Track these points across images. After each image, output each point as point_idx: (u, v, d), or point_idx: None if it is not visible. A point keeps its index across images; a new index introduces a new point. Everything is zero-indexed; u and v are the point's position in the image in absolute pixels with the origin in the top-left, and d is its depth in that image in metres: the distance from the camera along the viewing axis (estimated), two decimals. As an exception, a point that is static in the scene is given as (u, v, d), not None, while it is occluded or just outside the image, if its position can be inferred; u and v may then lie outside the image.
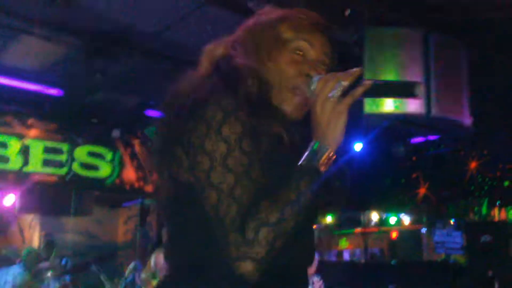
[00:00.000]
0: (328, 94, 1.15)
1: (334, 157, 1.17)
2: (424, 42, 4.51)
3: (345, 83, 1.15)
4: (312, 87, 1.21)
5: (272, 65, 1.28)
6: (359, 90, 1.15)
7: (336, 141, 1.16)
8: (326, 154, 1.15)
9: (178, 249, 1.24)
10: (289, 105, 1.28)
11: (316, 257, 5.91)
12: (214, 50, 1.35)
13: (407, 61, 4.39)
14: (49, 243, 7.16)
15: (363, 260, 9.92)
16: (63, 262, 6.27)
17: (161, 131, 1.28)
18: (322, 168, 1.15)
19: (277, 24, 1.31)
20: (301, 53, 1.30)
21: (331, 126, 1.14)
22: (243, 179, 1.10)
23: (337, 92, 1.15)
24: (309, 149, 1.16)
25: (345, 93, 1.15)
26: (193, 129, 1.15)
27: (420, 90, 1.15)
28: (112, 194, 8.34)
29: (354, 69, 1.18)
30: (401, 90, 1.20)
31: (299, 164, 1.15)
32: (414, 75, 4.33)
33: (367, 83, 1.16)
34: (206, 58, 1.34)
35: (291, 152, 1.21)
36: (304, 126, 1.24)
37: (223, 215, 1.10)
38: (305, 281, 1.31)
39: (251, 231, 1.07)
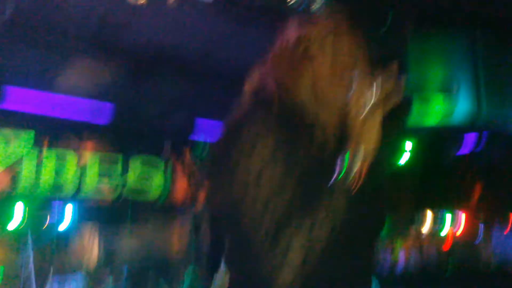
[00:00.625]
0: (361, 105, 1.16)
1: (368, 166, 1.17)
2: (472, 41, 4.41)
3: (377, 95, 1.16)
4: (348, 98, 1.22)
5: (306, 80, 1.28)
6: (389, 106, 1.15)
7: (370, 152, 1.16)
8: (360, 164, 1.16)
9: (234, 263, 1.31)
10: (329, 113, 1.27)
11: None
12: (251, 79, 1.38)
13: (453, 62, 4.31)
14: (109, 252, 7.36)
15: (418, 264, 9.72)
16: (123, 270, 6.46)
17: (211, 153, 1.36)
18: (356, 177, 1.16)
19: (302, 41, 1.31)
20: (330, 62, 1.29)
21: (364, 136, 1.16)
22: (276, 192, 1.15)
23: (369, 104, 1.15)
24: (344, 158, 1.17)
25: (378, 102, 1.15)
26: (231, 150, 1.22)
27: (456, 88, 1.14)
28: (166, 203, 8.52)
29: (387, 80, 1.17)
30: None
31: (334, 172, 1.17)
32: (462, 76, 4.25)
33: (396, 99, 1.15)
34: (246, 87, 1.38)
35: (327, 160, 1.22)
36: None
37: (258, 227, 1.15)
38: None
39: (286, 239, 1.11)
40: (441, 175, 7.84)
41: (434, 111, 4.21)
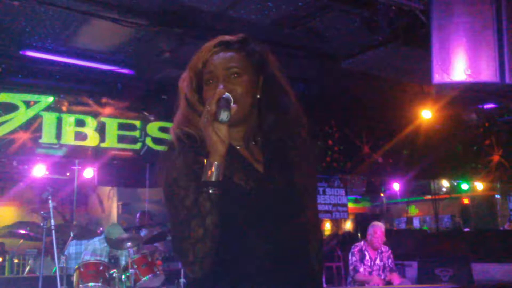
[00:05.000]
0: (204, 119, 1.36)
1: (220, 167, 1.35)
2: (497, 6, 4.29)
3: (211, 108, 1.34)
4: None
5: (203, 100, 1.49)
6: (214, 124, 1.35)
7: (215, 156, 1.35)
8: (211, 168, 1.35)
9: None
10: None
11: (381, 227, 5.89)
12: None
13: (478, 27, 4.21)
14: (143, 213, 7.45)
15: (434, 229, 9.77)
16: (142, 233, 6.58)
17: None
18: (212, 179, 1.34)
19: (190, 69, 1.53)
20: (211, 81, 1.47)
21: (208, 144, 1.36)
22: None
23: (206, 117, 1.35)
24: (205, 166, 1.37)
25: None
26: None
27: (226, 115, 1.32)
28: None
29: (217, 91, 1.37)
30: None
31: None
32: (486, 42, 4.16)
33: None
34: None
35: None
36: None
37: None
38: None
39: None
40: (460, 139, 7.80)
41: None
